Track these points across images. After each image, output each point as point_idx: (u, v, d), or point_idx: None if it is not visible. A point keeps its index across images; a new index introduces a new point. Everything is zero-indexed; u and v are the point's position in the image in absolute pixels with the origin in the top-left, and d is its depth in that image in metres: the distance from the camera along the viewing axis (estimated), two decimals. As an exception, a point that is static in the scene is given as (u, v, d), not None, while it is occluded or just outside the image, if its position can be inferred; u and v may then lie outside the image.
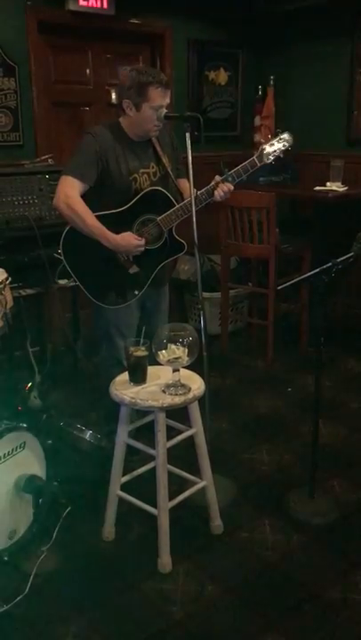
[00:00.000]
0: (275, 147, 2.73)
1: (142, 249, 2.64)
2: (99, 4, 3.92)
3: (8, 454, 2.27)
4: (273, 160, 2.75)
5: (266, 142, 2.77)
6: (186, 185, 2.72)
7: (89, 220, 2.57)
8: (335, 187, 4.21)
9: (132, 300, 2.77)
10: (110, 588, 2.23)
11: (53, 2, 3.82)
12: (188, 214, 2.64)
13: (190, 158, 2.50)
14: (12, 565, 2.29)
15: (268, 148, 2.73)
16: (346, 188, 4.21)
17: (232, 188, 2.71)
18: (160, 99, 2.56)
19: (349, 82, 4.49)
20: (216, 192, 2.68)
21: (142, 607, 2.15)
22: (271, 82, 4.78)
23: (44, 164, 3.64)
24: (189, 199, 2.58)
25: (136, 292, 2.76)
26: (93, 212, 2.58)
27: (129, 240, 2.60)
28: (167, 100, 2.59)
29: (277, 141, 2.74)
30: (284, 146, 2.74)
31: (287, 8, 4.52)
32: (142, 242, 2.63)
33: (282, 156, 2.75)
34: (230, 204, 3.89)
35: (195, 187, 2.55)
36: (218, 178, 2.70)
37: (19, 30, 3.75)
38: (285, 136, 2.75)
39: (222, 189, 2.68)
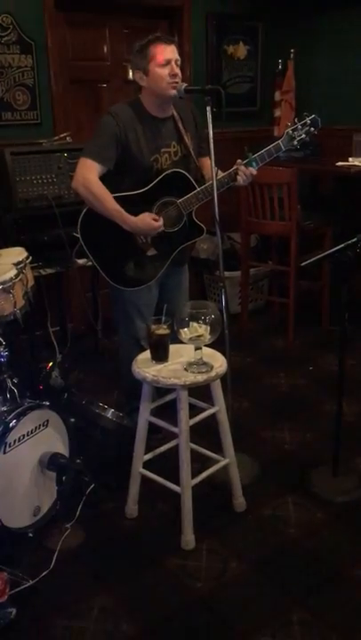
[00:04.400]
0: (301, 131, 2.65)
1: (161, 230, 2.61)
2: (116, -22, 3.86)
3: (32, 432, 2.29)
4: (298, 145, 2.68)
5: (291, 125, 2.68)
6: (207, 163, 2.66)
7: (107, 202, 2.54)
8: (358, 162, 4.14)
9: (151, 283, 2.74)
10: (134, 564, 2.25)
11: (70, -24, 3.77)
12: (208, 198, 2.60)
13: (211, 134, 2.46)
14: (36, 541, 2.32)
15: (293, 132, 2.66)
16: (369, 164, 4.13)
17: (255, 172, 2.66)
18: (162, 53, 2.50)
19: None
20: (239, 176, 2.63)
21: (166, 583, 2.16)
22: (291, 55, 4.69)
23: (62, 142, 3.62)
24: (210, 182, 2.54)
25: (153, 275, 2.73)
26: (113, 192, 2.55)
27: (148, 221, 2.57)
28: (174, 55, 2.53)
29: (303, 125, 2.65)
30: (311, 130, 2.66)
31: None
32: (160, 222, 2.59)
33: (308, 140, 2.68)
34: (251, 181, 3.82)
35: (215, 163, 2.50)
36: (240, 161, 2.65)
37: (35, 6, 3.70)
38: (313, 121, 2.66)
39: (245, 173, 2.63)
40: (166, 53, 2.50)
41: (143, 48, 2.52)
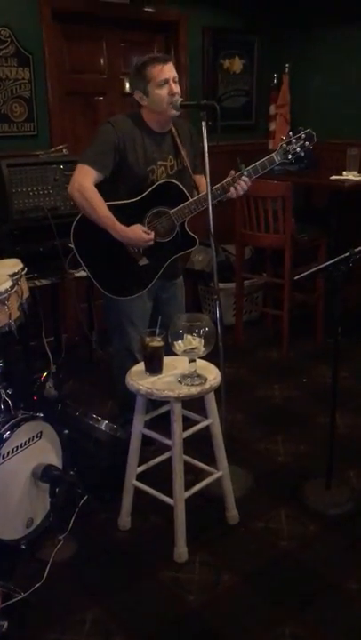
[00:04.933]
0: (295, 145, 2.67)
1: (151, 243, 2.63)
2: (113, -7, 3.90)
3: (25, 444, 2.29)
4: (293, 159, 2.70)
5: (286, 139, 2.69)
6: (202, 181, 2.67)
7: (100, 209, 2.56)
8: (351, 176, 4.18)
9: (142, 292, 2.76)
10: (126, 576, 2.25)
11: (67, -10, 3.80)
12: (200, 209, 2.62)
13: (206, 148, 2.48)
14: (29, 553, 2.31)
15: (287, 146, 2.67)
16: (362, 177, 4.17)
17: (249, 184, 2.68)
18: (161, 73, 2.53)
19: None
20: (232, 188, 2.65)
21: (158, 596, 2.16)
22: (286, 70, 4.74)
23: (58, 154, 3.63)
24: (203, 193, 2.56)
25: (145, 285, 2.75)
26: (107, 200, 2.58)
27: (138, 233, 2.58)
28: (171, 73, 2.55)
29: (298, 139, 2.67)
30: (306, 144, 2.67)
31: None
32: (151, 236, 2.61)
33: (303, 154, 2.70)
34: (245, 193, 3.85)
35: (210, 177, 2.52)
36: (233, 173, 2.67)
37: (33, 19, 3.74)
38: (307, 135, 2.67)
39: (239, 185, 2.65)
40: (164, 73, 2.53)
41: (141, 69, 2.55)
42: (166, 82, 2.53)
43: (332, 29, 4.59)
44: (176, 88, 2.56)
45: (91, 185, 2.56)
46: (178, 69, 2.62)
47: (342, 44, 4.55)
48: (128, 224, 2.59)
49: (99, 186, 2.59)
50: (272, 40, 4.89)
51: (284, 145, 2.69)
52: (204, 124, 2.47)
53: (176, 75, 2.58)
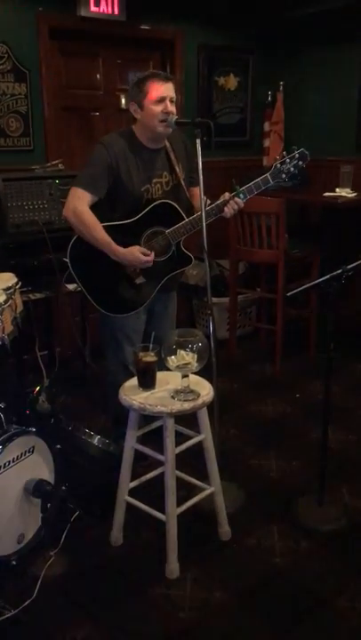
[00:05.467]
0: (289, 164, 2.69)
1: (150, 264, 2.64)
2: (110, 10, 3.94)
3: (17, 458, 2.28)
4: (286, 178, 2.72)
5: (280, 159, 2.70)
6: (198, 193, 2.70)
7: (97, 232, 2.57)
8: (345, 192, 4.21)
9: (138, 310, 2.77)
10: (118, 593, 2.23)
11: (65, 8, 3.84)
12: (196, 228, 2.64)
13: (201, 164, 2.50)
14: (20, 569, 2.29)
15: (281, 166, 2.69)
16: (355, 194, 4.20)
17: (242, 205, 2.70)
18: (158, 90, 2.55)
19: (360, 87, 4.49)
20: (226, 209, 2.67)
21: (150, 613, 2.14)
22: (281, 87, 4.79)
23: (54, 169, 3.66)
24: (198, 214, 2.58)
25: (141, 302, 2.76)
26: (102, 221, 2.58)
27: (136, 255, 2.59)
28: (169, 93, 2.57)
29: (292, 158, 2.69)
30: (300, 164, 2.69)
31: (297, 14, 4.53)
32: (151, 257, 2.62)
33: (297, 172, 2.72)
34: (239, 210, 3.88)
35: (205, 193, 2.54)
36: (227, 195, 2.69)
37: (30, 36, 3.77)
38: (301, 154, 2.69)
39: (232, 207, 2.68)
40: (161, 91, 2.55)
41: (141, 82, 2.58)
42: (163, 100, 2.55)
43: (325, 49, 4.65)
44: (172, 107, 2.57)
45: (86, 208, 2.57)
46: (175, 88, 2.65)
47: (335, 64, 4.61)
48: (125, 244, 2.59)
49: (93, 207, 2.60)
50: (266, 58, 4.95)
51: (278, 165, 2.71)
52: (198, 141, 2.49)
53: (174, 95, 2.60)
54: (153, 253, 2.63)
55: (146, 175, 2.66)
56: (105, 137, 2.72)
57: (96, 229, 2.56)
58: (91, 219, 2.56)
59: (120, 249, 2.58)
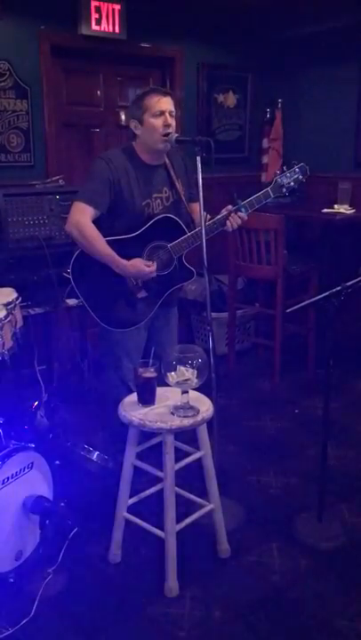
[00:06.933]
0: (289, 179, 2.71)
1: (153, 275, 2.65)
2: (111, 29, 3.99)
3: (16, 474, 2.27)
4: (287, 192, 2.74)
5: (280, 173, 2.73)
6: (198, 208, 2.72)
7: (100, 245, 2.58)
8: (343, 209, 4.24)
9: (140, 325, 2.77)
10: (116, 611, 2.21)
11: (66, 26, 3.89)
12: (198, 242, 2.65)
13: (200, 181, 2.52)
14: (17, 587, 2.27)
15: (282, 180, 2.71)
16: (354, 211, 4.24)
17: (245, 218, 2.72)
18: (158, 104, 2.58)
19: (357, 105, 4.53)
20: (228, 222, 2.69)
21: (149, 632, 2.13)
22: (279, 105, 4.84)
23: (54, 185, 3.67)
24: (200, 228, 2.59)
25: (143, 317, 2.76)
26: (105, 236, 2.60)
27: (139, 267, 2.60)
28: (168, 107, 2.60)
29: (292, 173, 2.71)
30: (299, 178, 2.72)
31: (296, 33, 4.59)
32: (153, 268, 2.63)
33: (296, 187, 2.74)
34: (239, 226, 3.90)
35: (205, 208, 2.56)
36: (230, 207, 2.71)
37: (32, 54, 3.81)
38: (301, 169, 2.72)
39: (235, 220, 2.69)
40: (161, 104, 2.58)
41: (140, 98, 2.61)
42: (162, 113, 2.58)
43: (324, 67, 4.70)
44: (171, 120, 2.60)
45: (88, 221, 2.59)
46: (173, 103, 2.68)
47: (334, 81, 4.66)
48: (127, 258, 2.60)
49: (96, 222, 2.61)
50: (265, 76, 5.01)
51: (279, 179, 2.73)
52: (198, 158, 2.51)
53: (173, 109, 2.63)
54: (155, 265, 2.64)
55: (146, 190, 2.68)
56: (105, 152, 2.75)
57: (98, 242, 2.58)
58: (93, 232, 2.58)
59: (123, 261, 2.59)
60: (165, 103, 2.60)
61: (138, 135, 2.66)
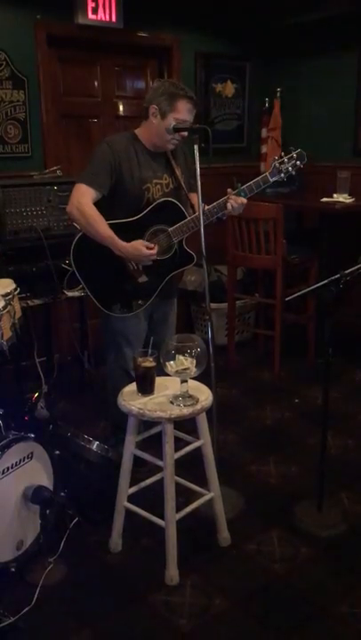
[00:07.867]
0: (288, 164, 2.70)
1: (154, 257, 2.65)
2: (107, 18, 3.96)
3: (16, 464, 2.27)
4: (285, 177, 2.73)
5: (278, 158, 2.72)
6: (196, 199, 2.72)
7: (100, 227, 2.59)
8: (342, 198, 4.22)
9: (140, 310, 2.78)
10: (117, 600, 2.22)
11: (63, 16, 3.86)
12: (198, 227, 2.65)
13: (198, 170, 2.52)
14: (18, 576, 2.28)
15: (280, 165, 2.70)
16: (353, 200, 4.22)
17: (245, 201, 2.71)
18: (186, 113, 2.61)
19: (356, 94, 4.51)
20: (228, 204, 2.68)
21: (149, 620, 2.13)
22: (278, 94, 4.82)
23: (52, 176, 3.66)
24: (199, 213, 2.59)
25: (143, 302, 2.77)
26: (106, 219, 2.61)
27: (139, 248, 2.60)
28: (191, 118, 2.64)
29: (290, 158, 2.70)
30: (297, 164, 2.71)
31: (294, 21, 4.55)
32: (154, 250, 2.63)
33: (294, 173, 2.74)
34: (238, 215, 3.89)
35: (203, 199, 2.56)
36: (230, 191, 2.71)
37: (28, 44, 3.79)
38: (299, 155, 2.71)
39: (235, 201, 2.69)
40: (188, 114, 2.61)
41: (173, 96, 2.59)
42: (185, 122, 2.60)
43: (322, 56, 4.67)
44: (185, 133, 2.64)
45: (89, 203, 2.60)
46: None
47: (332, 70, 4.63)
48: (127, 242, 2.61)
49: (97, 205, 2.62)
50: (264, 65, 4.98)
51: (277, 164, 2.72)
52: (196, 147, 2.51)
53: (192, 121, 2.66)
54: (156, 247, 2.64)
55: (147, 175, 2.68)
56: (109, 137, 2.77)
57: (99, 224, 2.58)
58: (94, 213, 2.58)
59: (123, 243, 2.59)
60: (192, 115, 2.64)
61: (151, 122, 2.65)
